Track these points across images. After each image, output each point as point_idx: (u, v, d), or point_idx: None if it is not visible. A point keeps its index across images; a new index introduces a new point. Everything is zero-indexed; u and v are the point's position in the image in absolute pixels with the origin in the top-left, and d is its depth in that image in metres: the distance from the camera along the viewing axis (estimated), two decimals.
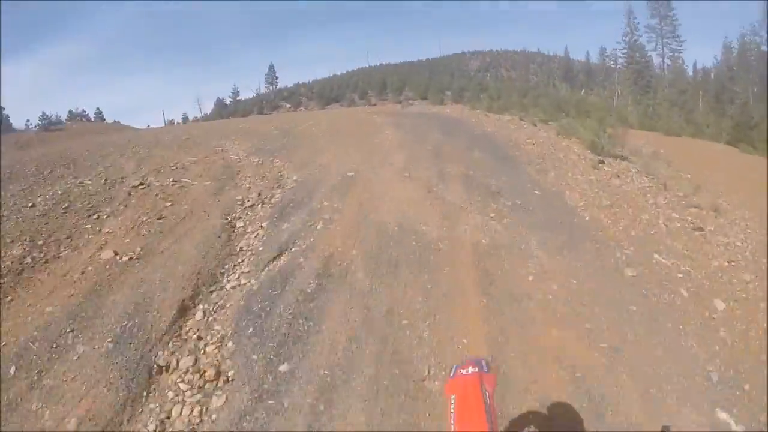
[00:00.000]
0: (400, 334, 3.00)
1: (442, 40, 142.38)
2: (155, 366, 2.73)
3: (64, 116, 31.21)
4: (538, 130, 11.21)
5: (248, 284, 3.55)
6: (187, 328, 3.07)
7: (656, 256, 4.53)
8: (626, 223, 5.28)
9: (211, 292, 3.46)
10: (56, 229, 4.17)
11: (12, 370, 2.60)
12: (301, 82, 44.65)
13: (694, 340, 3.28)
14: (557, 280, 3.76)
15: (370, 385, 2.60)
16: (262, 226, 4.54)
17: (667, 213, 5.83)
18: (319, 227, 4.41)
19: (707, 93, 27.70)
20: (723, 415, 2.64)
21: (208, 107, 39.35)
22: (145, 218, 4.51)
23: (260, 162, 6.75)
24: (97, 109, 36.38)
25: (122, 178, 5.63)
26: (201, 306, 3.30)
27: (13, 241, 3.86)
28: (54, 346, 2.80)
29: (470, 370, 1.23)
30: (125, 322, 3.00)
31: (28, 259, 3.66)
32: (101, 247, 3.94)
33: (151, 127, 29.63)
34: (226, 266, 3.82)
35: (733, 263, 4.57)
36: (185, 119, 36.70)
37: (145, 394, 2.55)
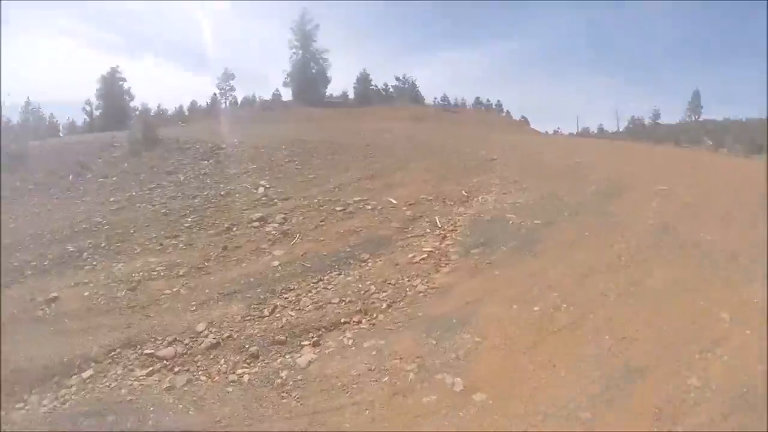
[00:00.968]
0: None
1: None
2: None
3: (470, 102, 34.80)
4: None
5: None
6: None
7: None
8: None
9: None
10: None
11: None
12: (731, 118, 32.51)
13: None
14: None
15: None
16: None
17: None
18: None
19: None
20: None
21: (623, 122, 34.65)
22: None
23: None
24: (498, 101, 37.16)
25: None
26: None
27: None
28: None
29: None
30: None
31: None
32: None
33: (558, 132, 30.55)
34: None
35: None
36: (601, 129, 34.26)
37: None
